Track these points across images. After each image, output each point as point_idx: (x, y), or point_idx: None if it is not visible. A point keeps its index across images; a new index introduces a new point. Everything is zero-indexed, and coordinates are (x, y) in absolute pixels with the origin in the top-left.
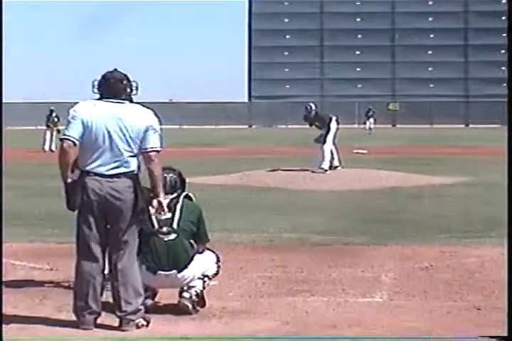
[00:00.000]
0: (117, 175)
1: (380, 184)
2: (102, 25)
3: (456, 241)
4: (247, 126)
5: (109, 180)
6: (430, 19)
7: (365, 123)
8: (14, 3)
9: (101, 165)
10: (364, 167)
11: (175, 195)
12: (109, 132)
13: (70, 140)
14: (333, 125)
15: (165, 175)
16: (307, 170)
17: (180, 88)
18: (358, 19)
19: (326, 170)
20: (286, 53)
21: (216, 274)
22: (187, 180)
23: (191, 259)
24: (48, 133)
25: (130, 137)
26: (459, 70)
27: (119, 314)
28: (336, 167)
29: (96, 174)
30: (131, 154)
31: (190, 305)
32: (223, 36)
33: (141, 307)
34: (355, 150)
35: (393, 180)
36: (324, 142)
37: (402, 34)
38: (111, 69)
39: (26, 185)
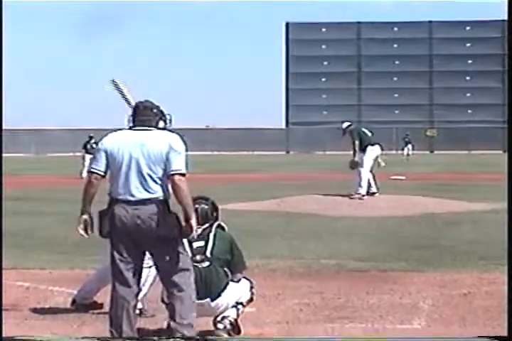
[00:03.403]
0: (143, 202)
1: (418, 210)
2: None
3: (495, 268)
4: (284, 152)
5: (135, 207)
6: (468, 45)
7: (402, 149)
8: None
9: (127, 192)
10: (402, 193)
11: (207, 225)
12: (133, 159)
13: (95, 173)
14: (376, 150)
15: (196, 205)
16: (344, 196)
17: (217, 114)
18: (395, 45)
19: (363, 196)
20: (323, 79)
21: (250, 301)
22: (220, 208)
23: (225, 287)
24: (87, 159)
25: (153, 162)
26: (497, 96)
27: (173, 325)
28: (374, 193)
29: (123, 201)
30: (156, 180)
31: (225, 336)
32: (260, 62)
33: (194, 324)
34: (393, 177)
35: (431, 206)
36: (362, 167)
37: (439, 60)
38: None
39: (64, 212)
